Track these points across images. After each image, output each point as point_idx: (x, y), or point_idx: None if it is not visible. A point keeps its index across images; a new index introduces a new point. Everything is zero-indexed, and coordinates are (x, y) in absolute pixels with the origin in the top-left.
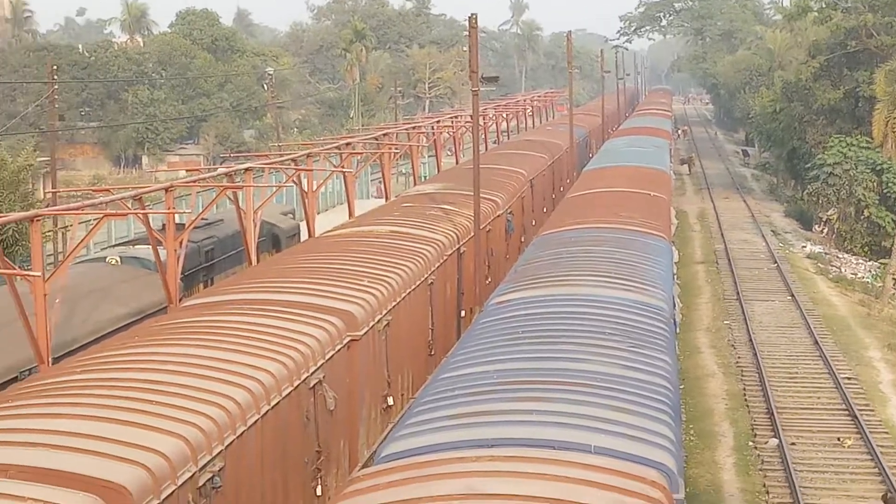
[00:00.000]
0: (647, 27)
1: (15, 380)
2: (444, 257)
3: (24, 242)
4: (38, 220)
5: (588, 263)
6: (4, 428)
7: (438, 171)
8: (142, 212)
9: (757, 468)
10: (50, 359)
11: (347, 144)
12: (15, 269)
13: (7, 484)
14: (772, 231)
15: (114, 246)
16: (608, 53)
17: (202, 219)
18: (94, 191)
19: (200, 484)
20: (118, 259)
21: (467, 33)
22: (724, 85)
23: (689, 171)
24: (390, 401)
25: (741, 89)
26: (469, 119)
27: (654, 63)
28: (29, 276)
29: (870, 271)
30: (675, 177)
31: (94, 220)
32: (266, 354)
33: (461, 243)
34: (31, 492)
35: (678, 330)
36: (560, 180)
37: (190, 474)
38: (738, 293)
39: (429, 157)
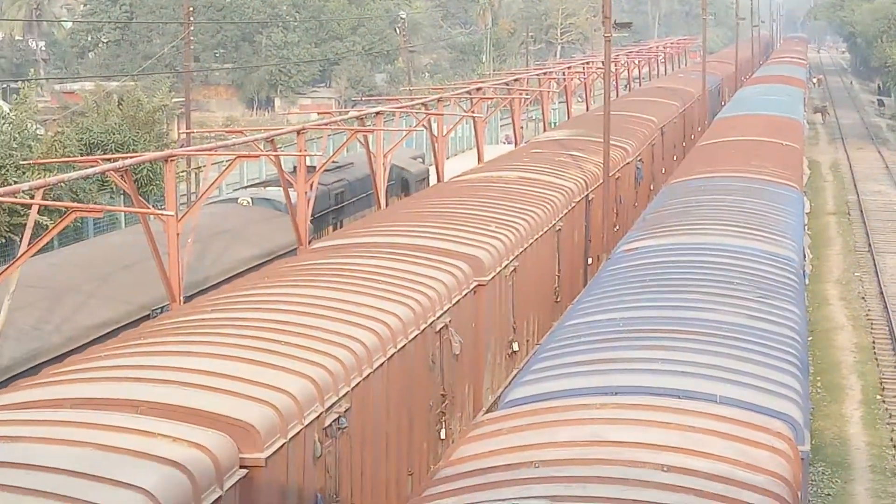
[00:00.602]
0: None
1: (147, 317)
2: (573, 204)
3: (157, 182)
4: (171, 160)
5: (717, 212)
6: (136, 365)
7: (569, 117)
8: (273, 153)
9: (885, 422)
10: (182, 297)
11: (478, 89)
12: (149, 207)
13: (138, 419)
14: None
15: (245, 187)
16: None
17: (333, 161)
18: (227, 132)
19: (327, 424)
20: (249, 200)
21: None
22: (862, 33)
23: (823, 120)
24: (515, 346)
25: (879, 38)
26: (601, 66)
27: (790, 10)
28: (162, 214)
29: None
30: (809, 126)
31: (227, 161)
32: (393, 297)
33: (590, 190)
34: (161, 427)
35: (808, 281)
36: (691, 128)
37: (316, 414)
38: (869, 245)
39: (559, 103)
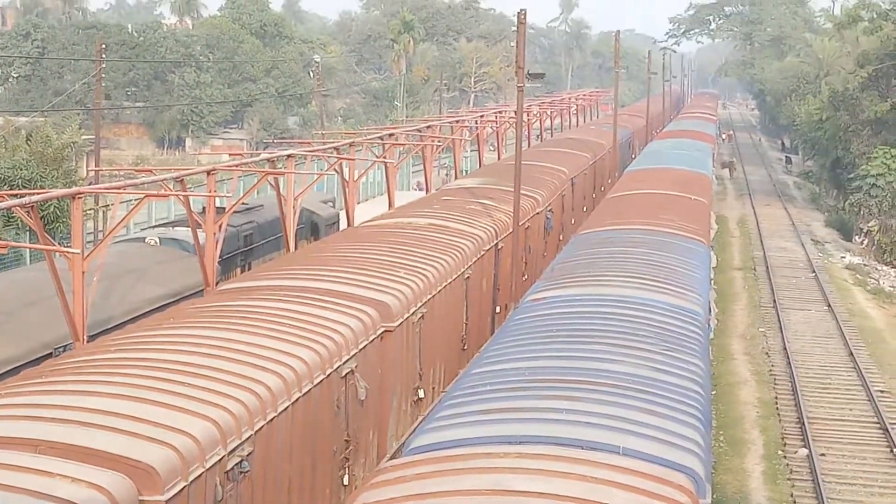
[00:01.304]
0: (696, 30)
1: (49, 356)
2: (482, 252)
3: (64, 219)
4: (79, 198)
5: (625, 264)
6: (36, 403)
7: (480, 165)
8: (183, 194)
9: (785, 477)
10: (85, 336)
11: (391, 135)
12: (55, 245)
13: (36, 459)
14: (811, 240)
15: (153, 227)
16: (656, 55)
17: (242, 203)
18: (136, 171)
19: (229, 468)
20: (157, 240)
21: (515, 29)
22: (771, 91)
23: (731, 175)
24: (421, 393)
25: (787, 96)
26: (513, 115)
27: (701, 66)
28: (68, 252)
29: None
30: (717, 181)
31: (136, 199)
32: (299, 342)
33: (499, 239)
34: (60, 468)
35: (712, 335)
36: (601, 180)
37: (219, 457)
38: (774, 301)
39: (471, 151)
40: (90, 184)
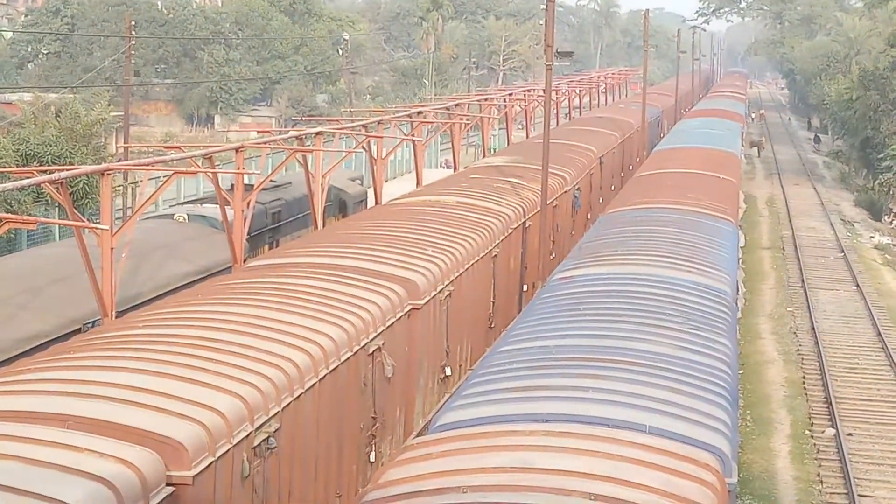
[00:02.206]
0: (726, 9)
1: (78, 331)
2: (510, 230)
3: (93, 196)
4: (108, 174)
5: (653, 243)
6: (66, 379)
7: (508, 143)
8: (211, 171)
9: (812, 457)
10: (114, 312)
11: (419, 113)
12: (84, 221)
13: (65, 434)
14: (841, 220)
15: (182, 203)
16: (685, 34)
17: (271, 180)
18: (165, 147)
19: (256, 444)
20: (186, 217)
21: (544, 7)
22: (801, 70)
23: (759, 154)
24: (448, 371)
25: (817, 76)
26: (542, 93)
27: (730, 45)
28: (97, 228)
29: None
30: (746, 161)
31: (164, 176)
32: (327, 318)
33: (527, 217)
34: (89, 443)
35: (740, 314)
36: (630, 159)
37: (246, 434)
38: (802, 280)
39: (499, 129)
40: (119, 160)
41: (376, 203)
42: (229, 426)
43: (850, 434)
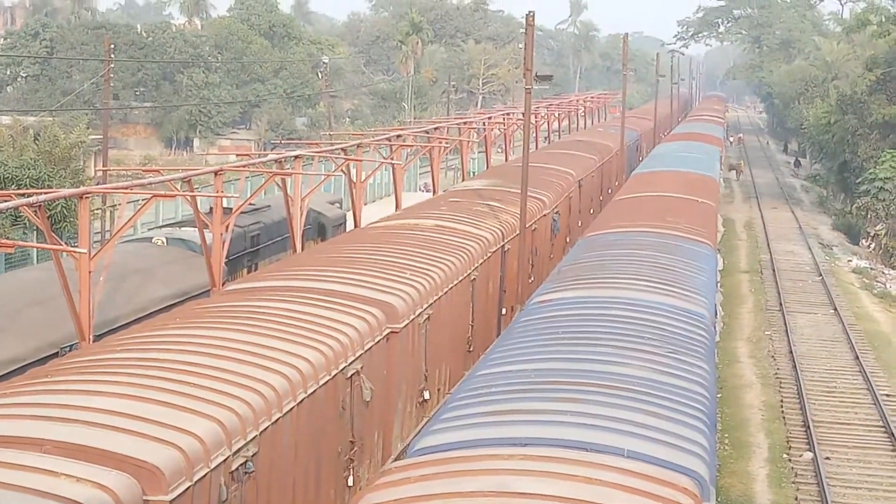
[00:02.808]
0: (705, 33)
1: (56, 355)
2: (489, 254)
3: (72, 219)
4: (86, 198)
5: (632, 267)
6: (42, 403)
7: (487, 167)
8: (190, 194)
9: (790, 481)
10: (91, 336)
11: (398, 136)
12: (62, 244)
13: (42, 458)
14: (818, 243)
15: (160, 227)
16: (664, 57)
17: (250, 204)
18: (144, 171)
19: (233, 468)
20: (164, 240)
21: (524, 30)
22: (779, 94)
23: (737, 177)
24: (426, 395)
25: (796, 99)
26: (521, 117)
27: (709, 69)
28: (75, 252)
29: None
30: (724, 184)
31: (143, 199)
32: (305, 342)
33: (506, 241)
34: (65, 467)
35: (718, 338)
36: (609, 182)
37: (223, 458)
38: (780, 304)
39: (479, 152)
40: (98, 183)
41: (355, 226)
42: (207, 450)
43: (827, 458)
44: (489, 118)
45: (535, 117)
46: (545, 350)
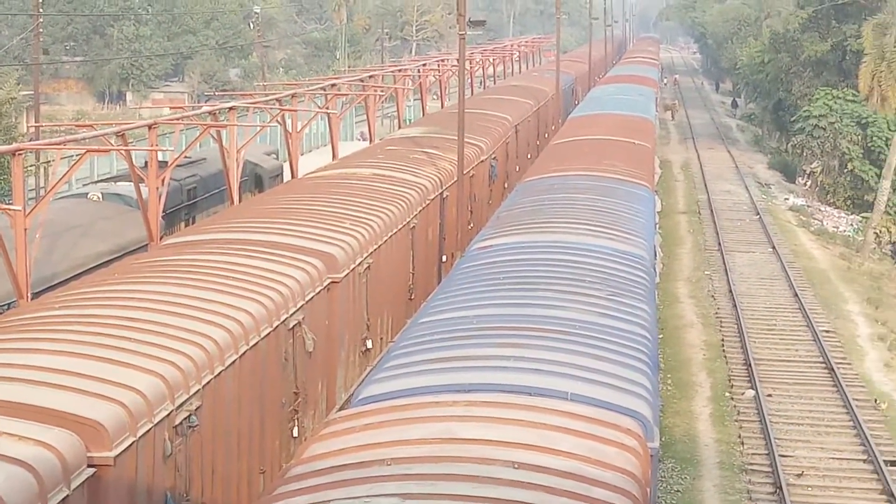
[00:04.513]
0: None
1: None
2: (427, 202)
3: (5, 177)
4: (19, 154)
5: (570, 211)
6: None
7: (423, 114)
8: (124, 148)
9: (733, 419)
10: (29, 294)
11: (333, 86)
12: None
13: None
14: (755, 182)
15: (96, 182)
16: (597, 0)
17: (185, 157)
18: (77, 126)
19: (177, 423)
20: (100, 195)
21: None
22: (713, 34)
23: (673, 117)
24: (369, 344)
25: (729, 39)
26: (455, 63)
27: (642, 10)
28: (9, 210)
29: (851, 225)
30: (660, 126)
31: (77, 155)
32: (246, 295)
33: (444, 188)
34: (6, 426)
35: (658, 279)
36: (545, 127)
37: (167, 413)
38: (719, 244)
39: (414, 100)
40: (30, 140)
41: (292, 177)
42: (150, 406)
43: (769, 395)
44: (424, 65)
45: (470, 63)
46: (486, 296)
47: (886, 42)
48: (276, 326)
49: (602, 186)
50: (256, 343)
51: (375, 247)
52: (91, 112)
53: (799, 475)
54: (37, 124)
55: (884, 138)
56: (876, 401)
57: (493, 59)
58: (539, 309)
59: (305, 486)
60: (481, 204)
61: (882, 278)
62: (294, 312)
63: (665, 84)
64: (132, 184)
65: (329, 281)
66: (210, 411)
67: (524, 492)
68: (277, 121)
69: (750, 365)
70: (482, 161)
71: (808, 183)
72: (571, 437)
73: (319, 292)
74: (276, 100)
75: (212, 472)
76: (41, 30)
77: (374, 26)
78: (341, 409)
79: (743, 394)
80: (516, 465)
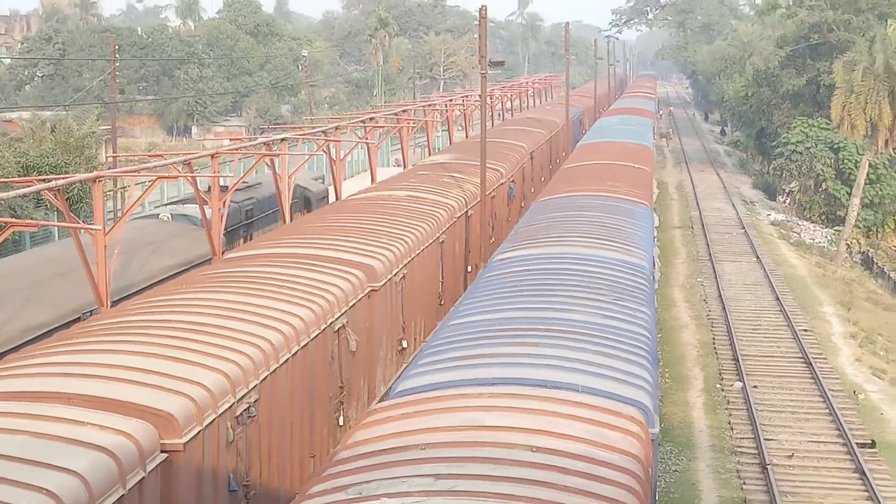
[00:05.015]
0: (636, 20)
1: (78, 320)
2: (454, 219)
3: (87, 200)
4: (99, 181)
5: (579, 226)
6: (68, 361)
7: (450, 143)
8: (190, 175)
9: (723, 407)
10: (109, 302)
11: (371, 119)
12: (79, 223)
13: (70, 410)
14: (741, 200)
15: (166, 205)
16: (601, 42)
17: (243, 182)
18: (149, 156)
19: (238, 413)
20: (169, 216)
21: (478, 23)
22: (702, 71)
23: (668, 144)
24: (405, 343)
25: (717, 75)
26: (478, 98)
27: (641, 51)
28: (91, 229)
29: (825, 237)
30: (657, 152)
31: (149, 181)
32: (297, 301)
33: (469, 207)
34: (91, 417)
35: (657, 286)
36: (556, 153)
37: (229, 405)
38: (710, 254)
39: (442, 131)
40: (109, 168)
41: (336, 199)
42: (214, 398)
43: (755, 386)
44: (450, 100)
45: (491, 98)
46: (506, 301)
47: (854, 77)
48: (324, 329)
49: (607, 205)
50: (306, 344)
51: (409, 259)
52: (161, 143)
53: (790, 456)
54: (114, 154)
55: (853, 161)
56: (854, 392)
57: (511, 95)
58: (552, 312)
59: (350, 469)
60: (501, 221)
61: (853, 283)
62: (339, 317)
63: (661, 115)
64: (197, 206)
65: (369, 289)
66: (266, 403)
67: (540, 472)
68: (323, 150)
69: (738, 360)
70: (502, 183)
71: (788, 201)
72: (581, 423)
73: (361, 299)
74: (322, 132)
75: (268, 456)
76: (118, 73)
77: (406, 67)
78: (381, 400)
79: (732, 385)
80: (534, 449)
